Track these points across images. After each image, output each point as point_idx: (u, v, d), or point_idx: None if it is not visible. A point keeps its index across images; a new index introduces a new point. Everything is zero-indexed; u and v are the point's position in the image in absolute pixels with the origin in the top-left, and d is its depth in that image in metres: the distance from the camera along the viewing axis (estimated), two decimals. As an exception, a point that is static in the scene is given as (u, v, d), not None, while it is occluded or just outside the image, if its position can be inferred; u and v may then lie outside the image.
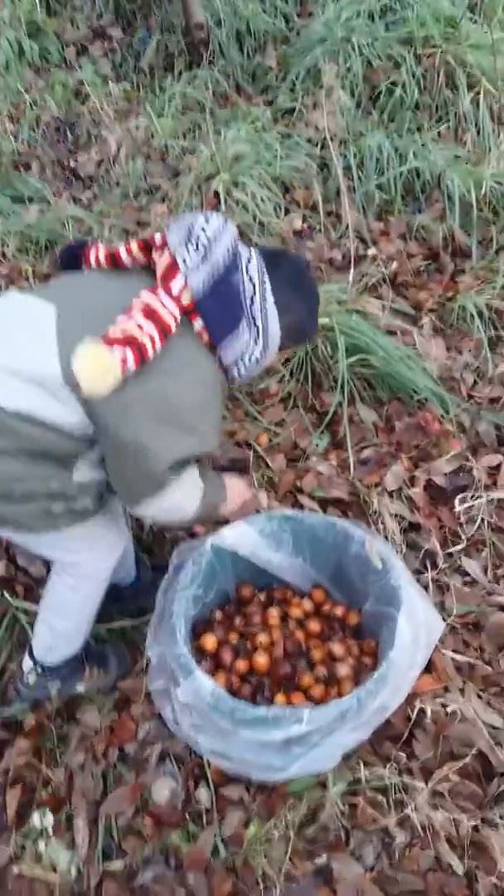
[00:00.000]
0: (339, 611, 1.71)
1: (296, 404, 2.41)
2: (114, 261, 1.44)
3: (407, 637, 1.43)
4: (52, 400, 1.30)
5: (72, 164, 3.55)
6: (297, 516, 1.67)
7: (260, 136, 3.15)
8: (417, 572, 1.96)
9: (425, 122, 3.27)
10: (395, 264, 2.79)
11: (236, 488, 1.63)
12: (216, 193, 2.83)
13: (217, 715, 1.36)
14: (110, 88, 3.81)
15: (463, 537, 2.06)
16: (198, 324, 1.35)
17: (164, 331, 1.27)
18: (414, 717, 1.59)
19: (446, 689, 1.73)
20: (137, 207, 3.10)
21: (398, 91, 3.28)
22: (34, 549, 1.59)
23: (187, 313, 1.34)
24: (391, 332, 2.53)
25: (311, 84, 3.43)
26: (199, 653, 1.59)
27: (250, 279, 1.36)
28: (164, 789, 1.58)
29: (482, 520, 2.08)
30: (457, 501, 2.12)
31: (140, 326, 1.25)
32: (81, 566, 1.57)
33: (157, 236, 1.38)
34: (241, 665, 1.57)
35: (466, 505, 2.12)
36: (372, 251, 2.82)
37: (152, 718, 1.72)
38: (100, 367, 1.22)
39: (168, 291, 1.31)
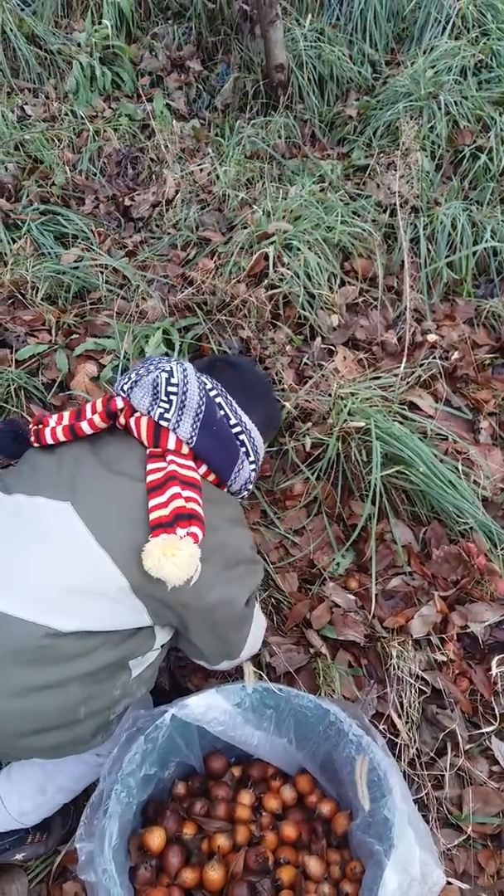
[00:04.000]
0: (326, 808, 1.39)
1: (321, 510, 2.10)
2: (73, 432, 1.35)
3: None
4: (114, 604, 1.21)
5: (127, 202, 3.34)
6: (283, 692, 1.37)
7: (325, 195, 2.87)
8: (435, 756, 1.62)
9: (511, 194, 2.94)
10: (456, 354, 2.46)
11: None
12: (266, 257, 2.56)
13: None
14: (179, 125, 3.60)
15: (496, 711, 1.71)
16: (203, 469, 1.36)
17: (198, 488, 1.27)
18: None
19: (449, 926, 1.39)
20: (184, 261, 2.86)
21: (483, 157, 2.96)
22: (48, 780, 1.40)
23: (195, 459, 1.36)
24: (443, 438, 2.20)
25: (390, 141, 3.13)
26: (141, 851, 1.29)
27: (220, 406, 1.39)
28: None
29: (523, 691, 1.73)
30: (494, 663, 1.78)
31: (179, 496, 1.22)
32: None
33: (119, 402, 1.35)
34: (189, 877, 1.26)
35: (505, 668, 1.78)
36: (432, 337, 2.49)
37: (88, 901, 1.44)
38: (182, 557, 1.16)
39: (174, 451, 1.30)
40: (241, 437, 1.42)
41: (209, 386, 1.40)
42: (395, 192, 2.83)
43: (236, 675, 1.71)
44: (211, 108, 3.88)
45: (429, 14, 3.76)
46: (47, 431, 1.36)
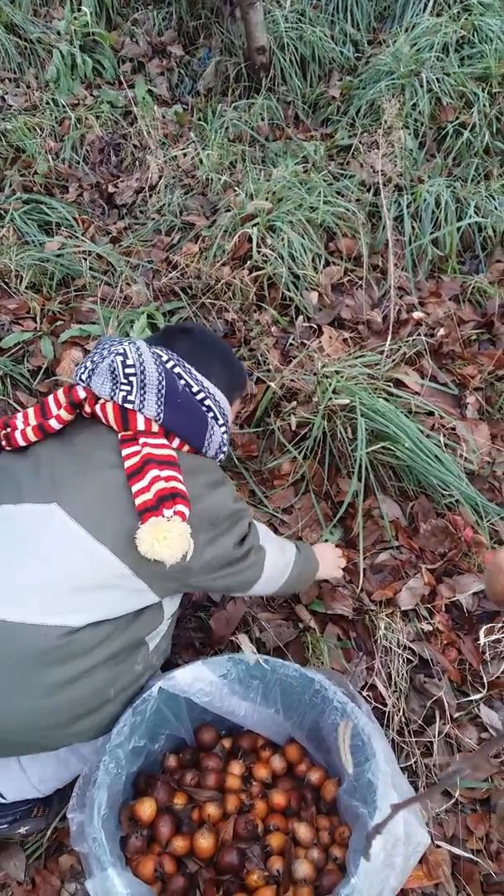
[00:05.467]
0: (314, 776, 1.41)
1: (308, 489, 2.11)
2: (43, 430, 1.36)
3: (377, 856, 1.12)
4: (119, 591, 1.25)
5: (110, 189, 3.34)
6: (268, 663, 1.38)
7: (308, 176, 2.86)
8: (423, 724, 1.64)
9: (494, 170, 2.93)
10: (442, 330, 2.47)
11: (326, 550, 1.73)
12: (249, 238, 2.56)
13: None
14: (161, 110, 3.59)
15: (485, 679, 1.72)
16: (176, 442, 1.35)
17: (175, 465, 1.28)
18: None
19: (437, 887, 1.41)
20: (168, 245, 2.86)
21: (466, 133, 2.95)
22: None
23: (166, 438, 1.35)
24: (429, 413, 2.21)
25: (372, 120, 3.13)
26: (133, 820, 1.31)
27: (180, 375, 1.38)
28: None
29: (511, 658, 1.75)
30: (482, 632, 1.79)
31: (159, 478, 1.24)
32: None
33: (80, 391, 1.34)
34: (180, 845, 1.28)
35: (493, 637, 1.79)
36: (417, 314, 2.50)
37: (82, 875, 1.46)
38: (174, 538, 1.20)
39: (145, 432, 1.31)
40: (207, 402, 1.40)
41: (165, 358, 1.39)
42: (378, 171, 2.82)
43: (224, 648, 1.73)
44: (193, 92, 3.87)
45: (410, -9, 3.75)
46: (17, 434, 1.36)
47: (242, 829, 1.30)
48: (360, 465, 1.99)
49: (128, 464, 1.27)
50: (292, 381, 2.21)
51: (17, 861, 1.49)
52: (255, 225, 2.60)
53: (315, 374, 2.18)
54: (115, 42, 4.02)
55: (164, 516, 1.20)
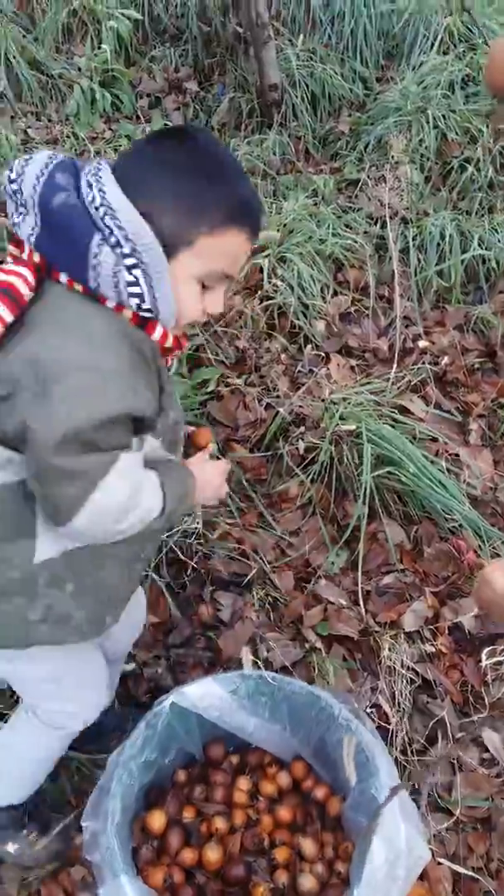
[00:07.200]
0: (320, 793, 1.45)
1: (315, 512, 2.17)
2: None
3: (380, 869, 1.16)
4: None
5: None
6: (276, 680, 1.43)
7: (318, 209, 2.96)
8: (427, 743, 1.68)
9: (498, 203, 3.02)
10: (446, 359, 2.54)
11: (207, 470, 1.27)
12: (261, 269, 2.65)
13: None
14: (176, 144, 3.71)
15: (486, 701, 1.77)
16: (64, 277, 1.02)
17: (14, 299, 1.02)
18: None
19: (440, 904, 1.45)
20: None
21: (471, 168, 3.05)
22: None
23: (49, 273, 1.04)
24: (433, 439, 2.27)
25: (380, 155, 3.23)
26: (144, 832, 1.36)
27: (89, 185, 1.01)
28: None
29: (512, 680, 1.80)
30: (484, 654, 1.84)
31: None
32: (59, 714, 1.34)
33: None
34: (188, 857, 1.33)
35: (496, 660, 1.84)
36: (422, 343, 2.57)
37: (93, 886, 1.49)
38: None
39: (18, 259, 1.06)
40: (106, 220, 1.00)
41: (88, 169, 1.04)
42: (385, 205, 2.92)
43: (232, 667, 1.78)
44: (208, 127, 3.99)
45: (417, 31, 3.88)
46: None
47: (249, 842, 1.35)
48: (366, 490, 2.05)
49: None
50: (301, 406, 2.28)
51: (11, 880, 1.51)
52: (266, 256, 2.69)
53: (323, 400, 2.26)
54: (134, 78, 4.17)
55: None
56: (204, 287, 1.08)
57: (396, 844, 1.19)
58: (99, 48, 4.11)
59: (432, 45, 3.78)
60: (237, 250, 1.07)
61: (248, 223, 1.06)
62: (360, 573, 1.98)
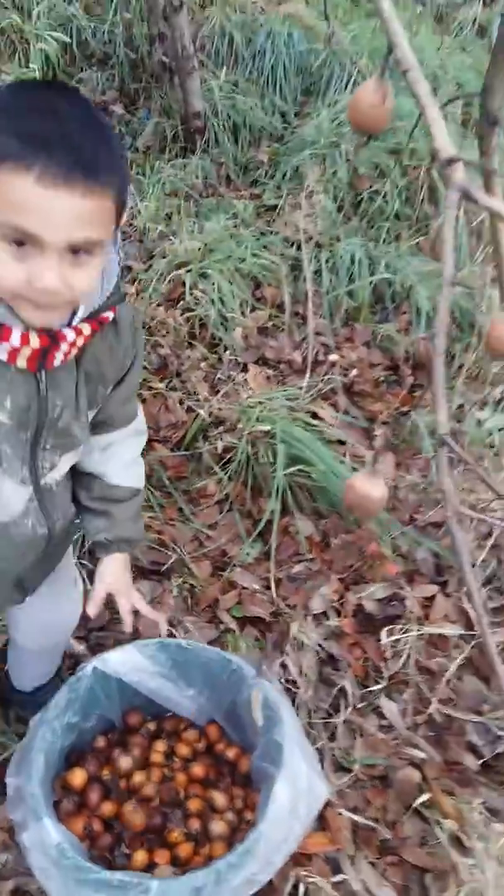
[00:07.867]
0: (231, 753, 1.57)
1: (232, 507, 2.31)
2: None
3: (284, 807, 1.29)
4: None
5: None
6: (191, 646, 1.55)
7: (238, 231, 3.15)
8: (330, 711, 1.83)
9: (403, 232, 3.29)
10: (354, 371, 2.75)
11: None
12: (183, 283, 2.81)
13: (58, 871, 1.21)
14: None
15: (385, 674, 1.93)
16: None
17: None
18: (291, 889, 1.44)
19: (338, 851, 1.58)
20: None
21: (379, 200, 3.32)
22: None
23: None
24: (341, 442, 2.46)
25: (297, 184, 3.46)
26: (65, 789, 1.44)
27: None
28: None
29: (408, 656, 1.97)
30: (384, 633, 2.01)
31: None
32: None
33: None
34: (107, 808, 1.42)
35: (393, 638, 2.01)
36: (333, 357, 2.78)
37: (13, 848, 1.56)
38: None
39: None
40: None
41: None
42: (301, 229, 3.13)
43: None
44: (133, 148, 4.14)
45: (333, 70, 4.16)
46: None
47: (166, 794, 1.45)
48: (279, 487, 2.21)
49: None
50: (220, 409, 2.43)
51: None
52: (188, 271, 2.85)
53: (240, 403, 2.41)
54: (60, 98, 4.28)
55: None
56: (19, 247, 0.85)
57: (298, 785, 1.33)
58: (27, 67, 4.21)
59: (346, 85, 4.08)
60: (20, 195, 0.81)
61: (27, 157, 0.80)
62: (272, 562, 2.14)
